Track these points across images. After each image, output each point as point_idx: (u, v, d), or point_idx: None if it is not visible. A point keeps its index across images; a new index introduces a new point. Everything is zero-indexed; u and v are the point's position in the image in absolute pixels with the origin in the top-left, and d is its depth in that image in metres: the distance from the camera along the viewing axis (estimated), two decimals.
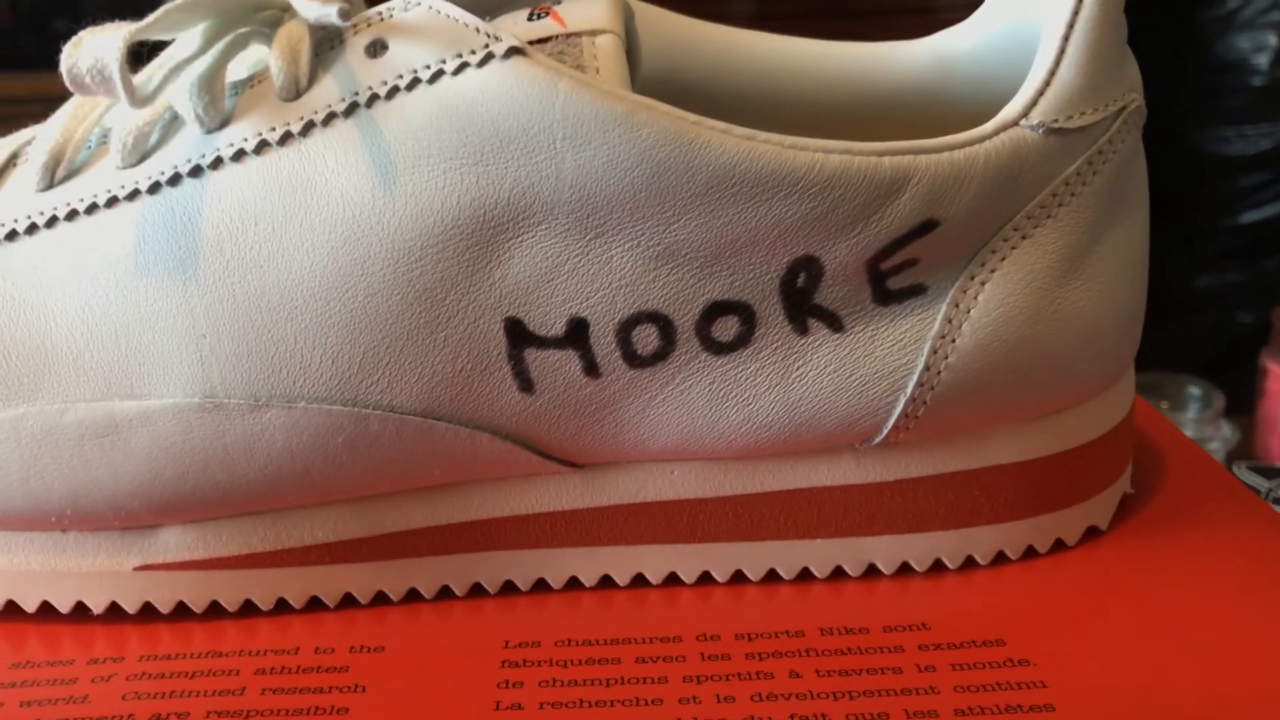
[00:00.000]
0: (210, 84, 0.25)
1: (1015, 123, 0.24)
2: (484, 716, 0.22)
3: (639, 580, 0.27)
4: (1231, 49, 1.09)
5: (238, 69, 0.26)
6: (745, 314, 0.24)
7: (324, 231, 0.24)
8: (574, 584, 0.27)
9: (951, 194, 0.24)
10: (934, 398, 0.25)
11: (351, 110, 0.24)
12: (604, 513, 0.26)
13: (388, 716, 0.22)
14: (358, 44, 0.25)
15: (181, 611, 0.26)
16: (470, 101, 0.23)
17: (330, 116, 0.24)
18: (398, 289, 0.24)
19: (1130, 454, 0.29)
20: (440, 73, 0.23)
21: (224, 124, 0.25)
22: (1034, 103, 0.24)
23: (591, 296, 0.24)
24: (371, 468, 0.25)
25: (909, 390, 0.25)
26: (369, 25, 0.25)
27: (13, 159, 0.27)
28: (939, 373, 0.25)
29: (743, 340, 0.25)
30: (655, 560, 0.27)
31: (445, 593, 0.27)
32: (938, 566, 0.27)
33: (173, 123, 0.25)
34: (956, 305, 0.25)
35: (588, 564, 0.27)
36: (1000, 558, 0.27)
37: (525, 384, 0.24)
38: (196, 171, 0.24)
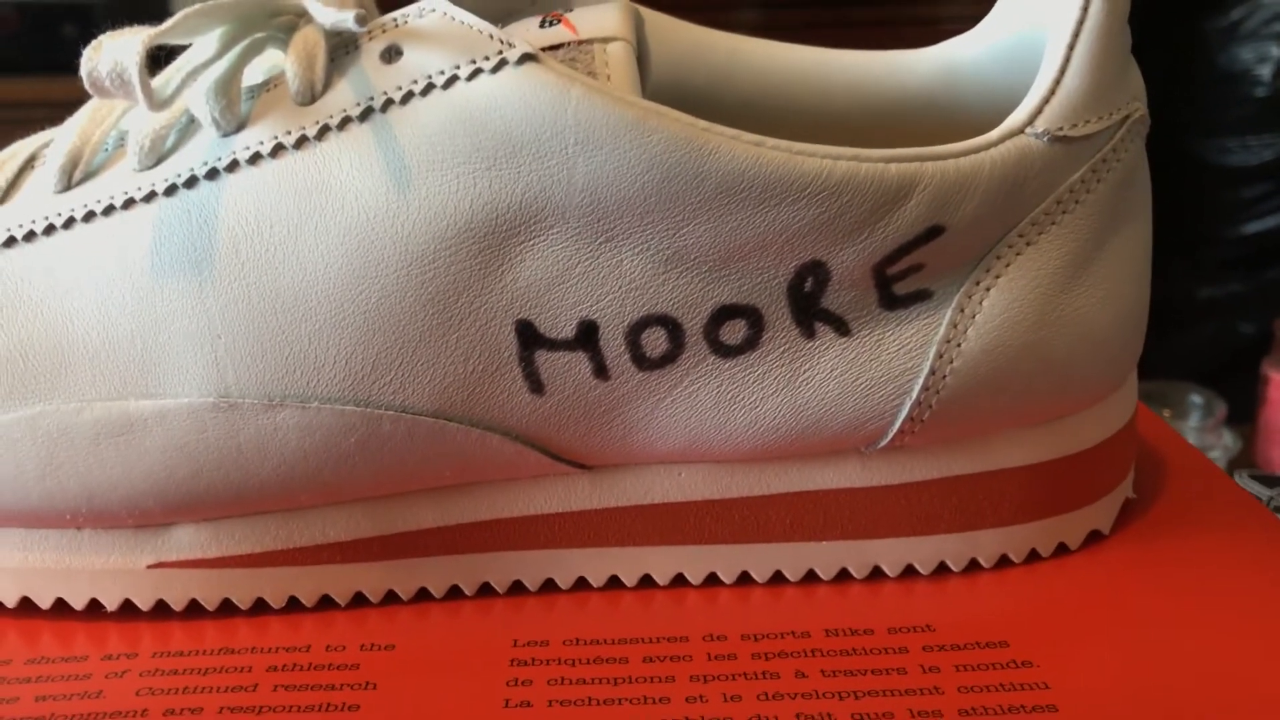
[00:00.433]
0: (226, 88, 0.25)
1: (1020, 130, 0.24)
2: (493, 714, 0.22)
3: (646, 581, 0.27)
4: (1235, 60, 1.09)
5: (254, 74, 0.26)
6: (753, 317, 0.25)
7: (338, 234, 0.24)
8: (582, 584, 0.27)
9: (957, 200, 0.24)
10: (939, 402, 0.25)
11: (366, 115, 0.24)
12: (612, 514, 0.27)
13: (398, 714, 0.23)
14: (373, 49, 0.25)
15: (194, 609, 0.26)
16: (484, 107, 0.23)
17: (345, 121, 0.24)
18: (411, 291, 0.24)
19: (1133, 459, 0.29)
20: (454, 78, 0.24)
21: (240, 128, 0.25)
22: (1039, 111, 0.24)
23: (602, 299, 0.24)
24: (383, 468, 0.25)
25: (914, 394, 0.25)
26: (384, 31, 0.25)
27: (30, 161, 0.27)
28: (944, 377, 0.25)
29: (750, 343, 0.25)
30: (662, 561, 0.27)
31: (455, 592, 0.27)
32: (942, 569, 0.27)
33: (189, 126, 0.26)
34: (962, 310, 0.25)
35: (596, 564, 0.27)
36: (1004, 561, 0.27)
37: (536, 386, 0.25)
38: (213, 174, 0.25)
